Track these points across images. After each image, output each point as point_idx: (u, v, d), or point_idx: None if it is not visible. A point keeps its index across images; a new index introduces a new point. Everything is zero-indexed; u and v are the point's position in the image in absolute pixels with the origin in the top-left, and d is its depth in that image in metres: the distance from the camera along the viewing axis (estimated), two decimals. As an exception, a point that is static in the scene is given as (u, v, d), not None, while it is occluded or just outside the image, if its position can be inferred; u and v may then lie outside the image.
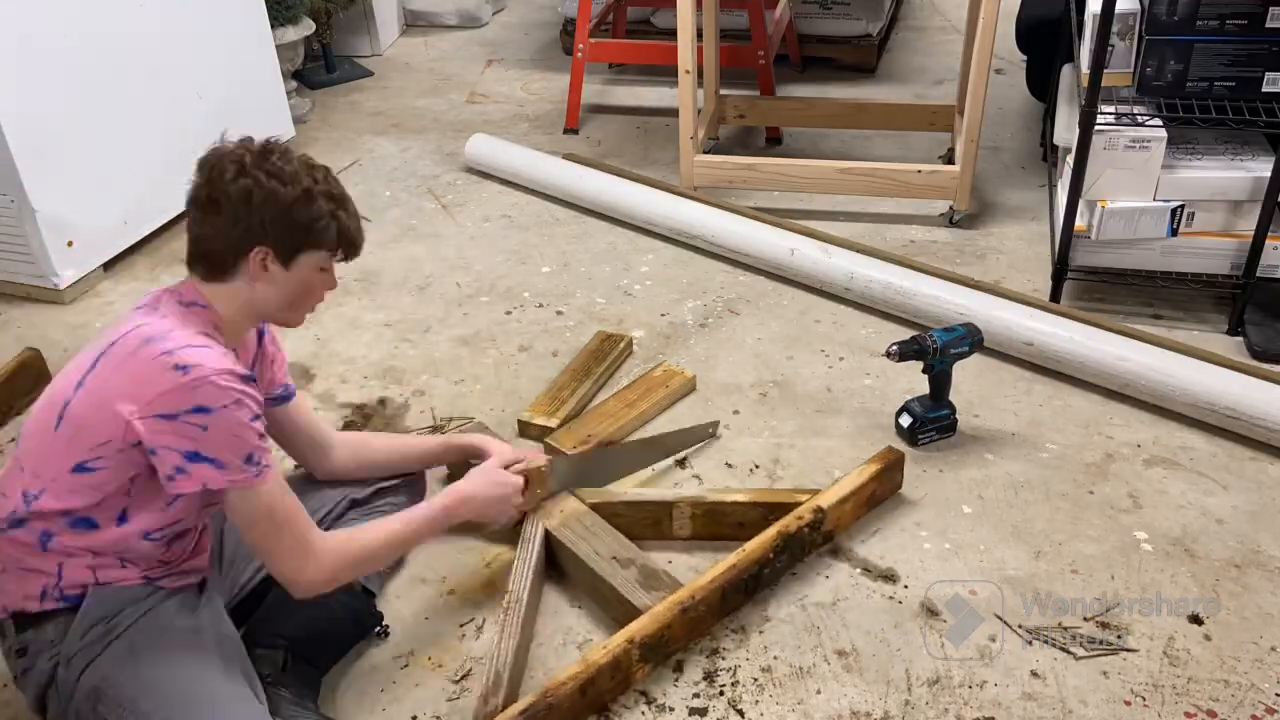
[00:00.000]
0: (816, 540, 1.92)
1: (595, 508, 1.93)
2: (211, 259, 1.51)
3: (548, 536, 1.88)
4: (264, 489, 1.45)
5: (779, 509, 1.91)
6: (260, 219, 1.47)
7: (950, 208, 3.03)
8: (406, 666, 1.74)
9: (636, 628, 1.67)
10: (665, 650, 1.71)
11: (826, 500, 1.92)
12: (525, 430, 2.24)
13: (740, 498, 1.96)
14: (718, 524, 1.95)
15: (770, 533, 1.84)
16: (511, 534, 1.92)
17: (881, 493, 2.03)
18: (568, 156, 3.34)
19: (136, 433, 1.39)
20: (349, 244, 1.57)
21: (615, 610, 1.77)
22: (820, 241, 2.74)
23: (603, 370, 2.40)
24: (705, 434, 2.20)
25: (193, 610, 1.54)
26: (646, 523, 1.95)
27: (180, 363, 1.39)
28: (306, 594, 1.54)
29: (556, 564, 1.89)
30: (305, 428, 1.80)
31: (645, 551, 1.86)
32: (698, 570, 1.85)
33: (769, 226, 2.83)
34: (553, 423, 2.21)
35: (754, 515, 1.93)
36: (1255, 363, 2.36)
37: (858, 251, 2.70)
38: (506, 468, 1.82)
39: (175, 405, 1.38)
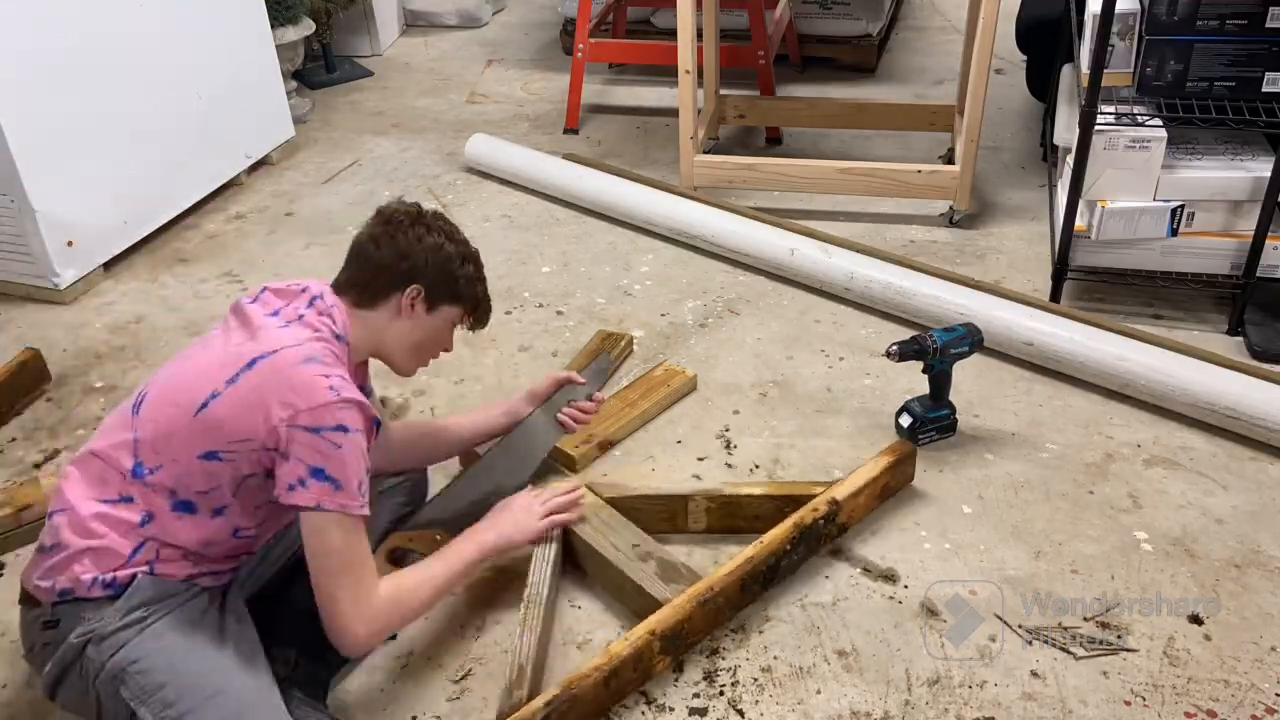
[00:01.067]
0: (831, 532, 1.93)
1: (611, 502, 1.93)
2: (370, 288, 1.64)
3: (565, 530, 1.88)
4: (353, 519, 1.50)
5: (794, 501, 1.93)
6: (425, 261, 1.64)
7: (950, 208, 3.03)
8: (406, 666, 1.74)
9: (657, 620, 1.68)
10: (685, 642, 1.72)
11: (841, 492, 1.93)
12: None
13: (756, 490, 1.97)
14: (733, 517, 1.96)
15: (787, 525, 1.86)
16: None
17: (893, 485, 2.04)
18: (568, 156, 3.34)
19: (279, 437, 1.46)
20: (482, 312, 1.75)
21: (634, 603, 1.78)
22: (820, 241, 2.75)
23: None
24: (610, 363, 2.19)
25: (220, 609, 1.57)
26: (662, 516, 1.96)
27: (334, 385, 1.49)
28: (352, 652, 1.59)
29: (572, 558, 1.90)
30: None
31: (662, 545, 1.86)
32: (717, 562, 1.86)
33: (769, 226, 2.83)
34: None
35: (769, 508, 1.94)
36: (1255, 363, 2.36)
37: (858, 251, 2.70)
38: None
39: (322, 420, 1.47)
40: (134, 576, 1.49)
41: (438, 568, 1.65)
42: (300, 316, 1.58)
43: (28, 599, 1.55)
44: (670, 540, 1.93)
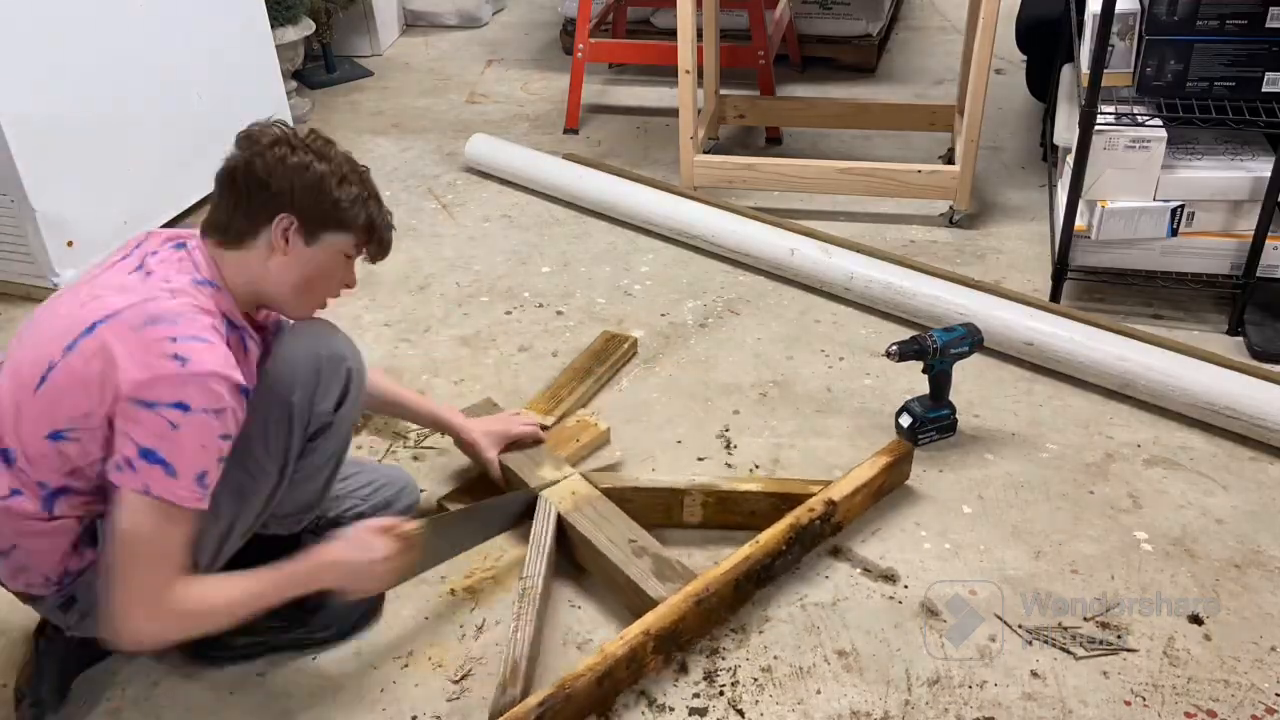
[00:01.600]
0: (826, 532, 1.93)
1: (607, 493, 1.93)
2: (233, 227, 1.47)
3: (560, 521, 1.88)
4: (183, 511, 1.36)
5: (790, 500, 1.93)
6: (290, 185, 1.45)
7: (950, 208, 3.03)
8: (407, 667, 1.74)
9: (653, 619, 1.68)
10: (678, 641, 1.72)
11: (838, 493, 1.93)
12: None
13: (752, 487, 1.97)
14: (729, 512, 1.96)
15: (783, 525, 1.86)
16: (519, 531, 1.93)
17: (890, 485, 2.05)
18: (568, 156, 3.34)
19: (112, 411, 1.34)
20: (378, 239, 1.55)
21: (628, 599, 1.78)
22: (820, 241, 2.75)
23: (604, 370, 2.40)
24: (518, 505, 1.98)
25: None
26: (658, 509, 1.96)
27: (181, 353, 1.33)
28: (127, 645, 1.45)
29: (566, 549, 1.90)
30: None
31: (653, 538, 1.86)
32: (715, 560, 1.86)
33: (769, 226, 2.83)
34: (548, 420, 2.21)
35: (765, 505, 1.94)
36: (1255, 363, 2.36)
37: (858, 252, 2.70)
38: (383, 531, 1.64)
39: (157, 393, 1.32)
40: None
41: (254, 586, 1.47)
42: (145, 268, 1.42)
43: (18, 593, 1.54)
44: (663, 536, 1.92)
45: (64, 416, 1.36)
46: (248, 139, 1.48)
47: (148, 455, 1.32)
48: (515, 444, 2.03)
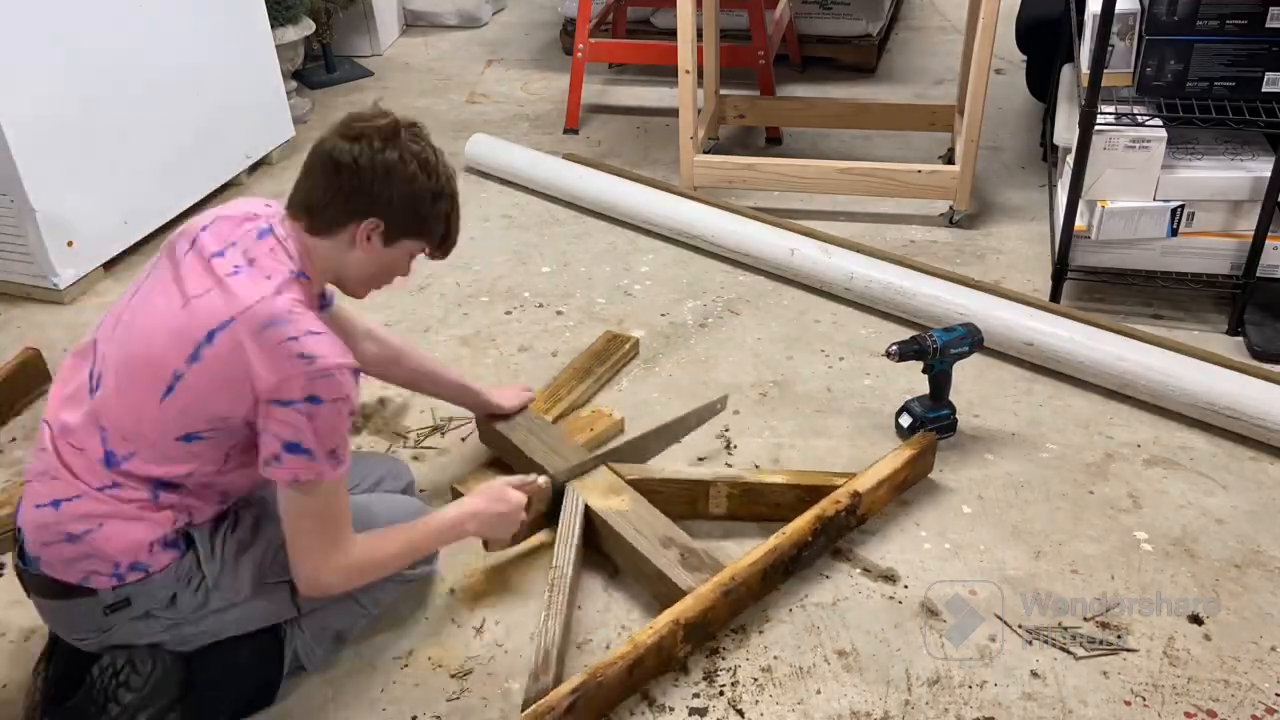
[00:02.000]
0: (851, 524, 1.94)
1: (634, 484, 1.94)
2: (324, 215, 1.52)
3: (586, 510, 1.89)
4: (329, 483, 1.48)
5: (815, 492, 1.94)
6: (391, 195, 1.50)
7: (950, 208, 3.03)
8: (407, 666, 1.74)
9: (681, 609, 1.69)
10: (706, 631, 1.73)
11: (863, 485, 1.94)
12: None
13: (778, 479, 1.99)
14: (754, 504, 1.98)
15: (809, 516, 1.87)
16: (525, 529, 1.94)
17: (914, 477, 2.07)
18: (568, 156, 3.34)
19: (256, 413, 1.43)
20: (447, 246, 1.65)
21: (657, 588, 1.80)
22: (820, 241, 2.75)
23: (604, 370, 2.40)
24: (715, 410, 2.19)
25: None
26: (683, 500, 1.98)
27: (305, 351, 1.41)
28: (319, 595, 1.57)
29: (592, 539, 1.91)
30: (338, 325, 1.80)
31: (680, 529, 1.87)
32: (742, 550, 1.85)
33: (769, 227, 2.83)
34: (547, 419, 2.21)
35: (790, 497, 1.96)
36: (1255, 363, 2.36)
37: (858, 251, 2.70)
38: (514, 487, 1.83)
39: (293, 392, 1.41)
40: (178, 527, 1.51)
41: (412, 537, 1.65)
42: (252, 261, 1.48)
43: (62, 590, 1.51)
44: (689, 528, 1.92)
45: (203, 419, 1.45)
46: (359, 131, 1.50)
47: (291, 448, 1.43)
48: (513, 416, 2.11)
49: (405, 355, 1.99)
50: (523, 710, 1.54)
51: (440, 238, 1.62)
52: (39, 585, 1.54)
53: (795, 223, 2.87)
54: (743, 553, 1.81)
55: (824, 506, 1.89)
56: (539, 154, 3.36)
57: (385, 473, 1.93)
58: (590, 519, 1.89)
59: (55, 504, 1.49)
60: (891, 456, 2.02)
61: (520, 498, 1.80)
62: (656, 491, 1.95)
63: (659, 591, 1.78)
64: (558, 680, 1.59)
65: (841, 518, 1.90)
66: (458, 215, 1.63)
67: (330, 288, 1.72)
